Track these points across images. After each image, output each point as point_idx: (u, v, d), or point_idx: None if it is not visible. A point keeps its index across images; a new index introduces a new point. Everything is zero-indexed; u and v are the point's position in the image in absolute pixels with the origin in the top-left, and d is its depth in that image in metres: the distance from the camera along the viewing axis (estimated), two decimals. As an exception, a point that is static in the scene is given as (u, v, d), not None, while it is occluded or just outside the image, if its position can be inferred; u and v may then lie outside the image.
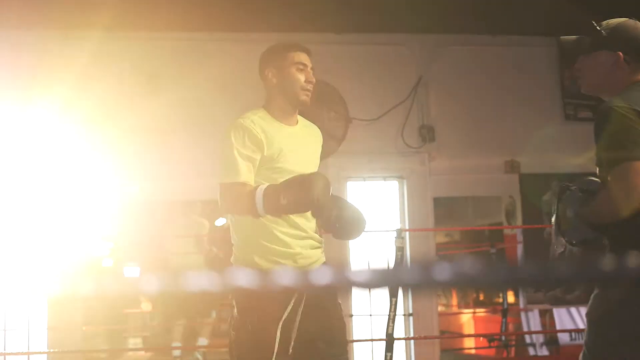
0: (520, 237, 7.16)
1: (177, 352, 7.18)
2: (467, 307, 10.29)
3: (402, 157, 6.69)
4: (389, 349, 5.25)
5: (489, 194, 7.70)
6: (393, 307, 5.20)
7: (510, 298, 9.44)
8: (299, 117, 2.90)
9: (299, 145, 2.81)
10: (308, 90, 2.80)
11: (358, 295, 6.52)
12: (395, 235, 5.21)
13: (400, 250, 5.18)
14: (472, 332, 9.04)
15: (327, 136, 6.38)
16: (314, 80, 2.82)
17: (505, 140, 6.86)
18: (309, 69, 2.82)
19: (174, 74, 6.49)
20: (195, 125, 6.39)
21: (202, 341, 7.25)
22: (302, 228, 2.79)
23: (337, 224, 2.76)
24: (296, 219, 2.76)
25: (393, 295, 5.23)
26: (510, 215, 8.44)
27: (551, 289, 6.79)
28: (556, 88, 7.01)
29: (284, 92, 2.79)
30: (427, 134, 6.67)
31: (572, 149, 6.88)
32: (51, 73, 6.46)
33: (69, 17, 6.35)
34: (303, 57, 2.82)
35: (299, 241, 2.78)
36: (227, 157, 2.68)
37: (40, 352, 6.00)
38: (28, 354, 5.84)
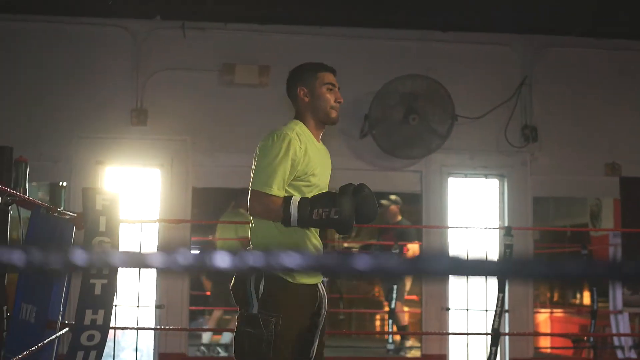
0: (615, 240, 7.17)
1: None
2: (542, 306, 10.30)
3: (504, 155, 6.75)
4: (495, 343, 5.36)
5: (589, 195, 7.72)
6: (500, 302, 5.31)
7: (586, 299, 9.43)
8: None
9: (325, 162, 2.99)
10: (337, 109, 2.97)
11: (456, 289, 6.64)
12: (505, 233, 5.31)
13: (509, 247, 5.28)
14: (548, 331, 9.06)
15: (432, 133, 6.52)
16: (342, 100, 2.98)
17: (607, 143, 6.87)
18: (336, 88, 2.98)
19: (284, 66, 6.65)
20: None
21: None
22: (320, 241, 2.96)
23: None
24: (317, 231, 2.93)
25: (501, 290, 5.34)
26: (594, 216, 8.45)
27: None
28: (660, 92, 7.00)
29: (316, 111, 2.95)
30: (530, 133, 6.72)
31: (673, 154, 6.90)
32: (163, 61, 6.70)
33: (187, 7, 6.59)
34: (331, 78, 2.98)
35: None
36: (267, 166, 2.79)
37: (148, 329, 6.28)
38: (137, 329, 6.14)
